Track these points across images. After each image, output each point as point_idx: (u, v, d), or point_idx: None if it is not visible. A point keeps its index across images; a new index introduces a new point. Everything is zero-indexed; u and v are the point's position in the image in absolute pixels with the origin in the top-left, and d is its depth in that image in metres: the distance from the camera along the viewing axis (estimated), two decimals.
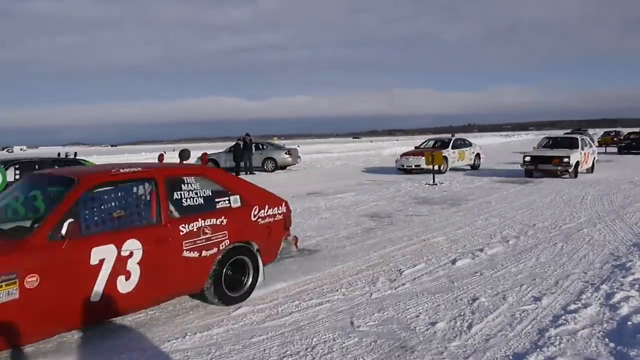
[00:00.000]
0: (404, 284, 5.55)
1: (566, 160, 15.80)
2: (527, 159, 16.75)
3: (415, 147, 22.05)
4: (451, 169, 20.04)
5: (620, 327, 4.18)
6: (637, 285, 5.18)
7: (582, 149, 17.02)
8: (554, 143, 18.36)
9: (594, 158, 18.45)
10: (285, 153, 23.88)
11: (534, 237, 7.74)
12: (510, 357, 3.72)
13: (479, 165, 21.51)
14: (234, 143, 23.01)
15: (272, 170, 23.23)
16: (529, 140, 58.94)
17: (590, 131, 52.10)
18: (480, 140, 36.33)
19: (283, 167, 24.13)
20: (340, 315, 4.68)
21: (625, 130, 40.44)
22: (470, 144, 21.87)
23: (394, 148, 43.91)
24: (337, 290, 5.40)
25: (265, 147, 24.44)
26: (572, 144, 17.35)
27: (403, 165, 19.35)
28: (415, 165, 18.70)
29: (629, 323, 4.21)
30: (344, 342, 4.07)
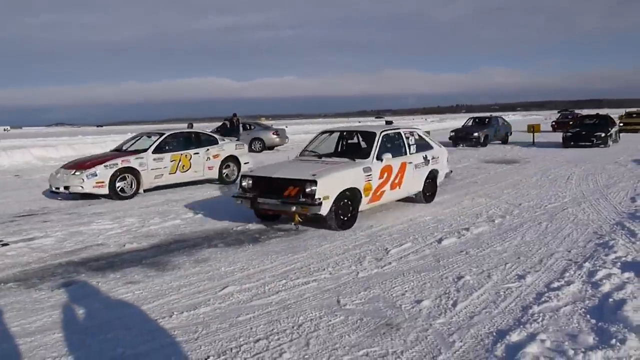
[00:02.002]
0: (390, 263, 5.59)
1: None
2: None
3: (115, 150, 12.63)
4: None
5: (601, 304, 4.25)
6: (619, 263, 5.26)
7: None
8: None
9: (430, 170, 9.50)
10: (273, 133, 23.80)
11: (519, 216, 7.81)
12: (494, 334, 3.78)
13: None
14: (220, 123, 22.86)
15: (260, 151, 23.15)
16: (516, 121, 59.13)
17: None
18: (457, 122, 34.23)
19: (271, 148, 24.05)
20: (327, 294, 4.71)
21: (589, 112, 33.25)
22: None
23: None
24: (324, 270, 5.43)
25: (252, 127, 24.32)
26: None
27: (52, 187, 10.67)
28: (64, 187, 10.27)
29: (610, 300, 4.28)
30: (330, 320, 4.11)
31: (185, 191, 11.39)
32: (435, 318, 4.09)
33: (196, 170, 11.92)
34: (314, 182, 6.74)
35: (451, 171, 10.42)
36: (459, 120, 42.28)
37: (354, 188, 7.26)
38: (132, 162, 10.68)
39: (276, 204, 7.05)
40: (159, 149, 11.26)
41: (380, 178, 7.72)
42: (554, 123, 36.07)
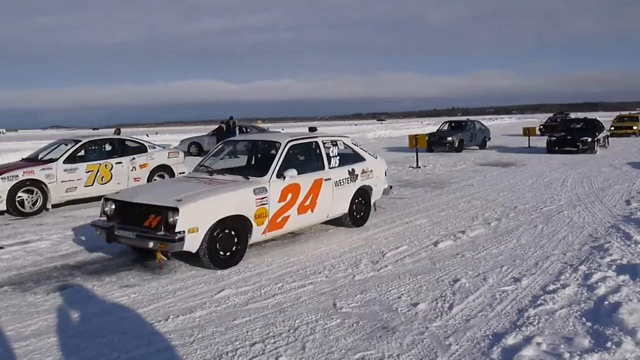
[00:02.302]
0: (386, 266, 5.59)
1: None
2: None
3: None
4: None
5: (597, 307, 4.26)
6: (614, 266, 5.27)
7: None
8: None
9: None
10: None
11: (515, 219, 7.83)
12: (490, 337, 3.78)
13: None
14: (217, 126, 22.85)
15: None
16: (512, 125, 59.38)
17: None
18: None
19: None
20: (323, 297, 4.71)
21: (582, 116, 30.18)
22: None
23: (378, 131, 43.95)
24: (320, 273, 5.43)
25: (249, 130, 24.31)
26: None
27: None
28: None
29: (606, 303, 4.29)
30: (327, 324, 4.10)
31: None
32: (432, 321, 4.10)
33: (119, 182, 10.47)
34: (176, 210, 5.25)
35: (391, 187, 8.87)
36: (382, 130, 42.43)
37: (240, 215, 5.73)
38: (37, 173, 9.37)
39: (132, 237, 5.54)
40: (71, 159, 9.93)
41: (281, 201, 6.18)
42: (541, 126, 33.82)
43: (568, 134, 20.38)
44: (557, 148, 19.67)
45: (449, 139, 21.50)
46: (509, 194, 10.25)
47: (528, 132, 24.66)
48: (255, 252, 6.27)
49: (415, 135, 16.72)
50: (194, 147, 24.00)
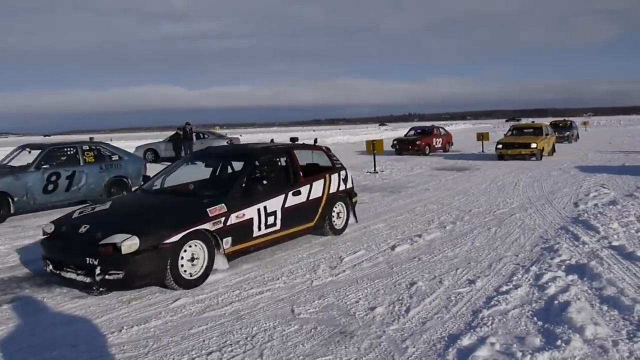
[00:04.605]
0: (344, 271, 5.61)
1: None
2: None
3: None
4: None
5: (547, 306, 4.39)
6: (563, 266, 5.45)
7: None
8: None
9: None
10: (227, 142, 23.57)
11: (469, 222, 8.00)
12: (446, 339, 3.84)
13: None
14: (173, 132, 22.49)
15: None
16: (466, 130, 60.74)
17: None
18: (398, 132, 33.81)
19: None
20: (281, 304, 4.68)
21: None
22: None
23: (336, 137, 44.16)
24: (278, 279, 5.40)
25: (206, 136, 24.03)
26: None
27: None
28: None
29: (556, 302, 4.43)
30: (285, 330, 4.08)
31: None
32: (389, 324, 4.13)
33: None
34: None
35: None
36: (395, 132, 42.99)
37: None
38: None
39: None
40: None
41: None
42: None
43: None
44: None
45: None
46: (464, 197, 10.47)
47: (482, 137, 25.25)
48: None
49: (373, 140, 16.88)
50: (150, 154, 23.54)
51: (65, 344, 3.91)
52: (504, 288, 4.88)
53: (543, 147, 19.05)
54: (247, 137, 41.04)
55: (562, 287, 4.80)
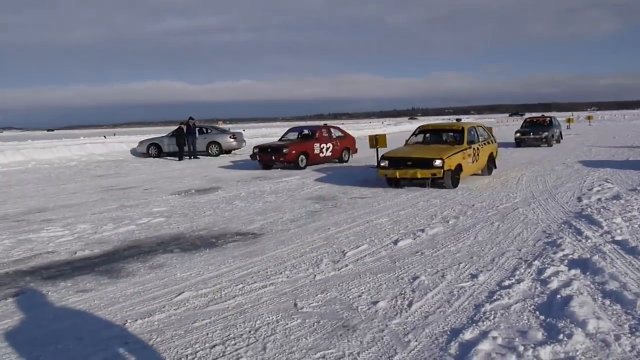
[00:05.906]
0: (347, 265, 5.63)
1: None
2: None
3: None
4: None
5: (550, 301, 4.40)
6: (566, 261, 5.45)
7: None
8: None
9: None
10: (230, 137, 23.58)
11: (472, 217, 8.00)
12: (448, 333, 3.85)
13: None
14: (176, 127, 22.51)
15: (217, 155, 22.92)
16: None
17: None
18: (412, 126, 34.20)
19: (228, 152, 23.84)
20: (284, 298, 4.71)
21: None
22: None
23: None
24: (281, 273, 5.42)
25: (209, 131, 24.03)
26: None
27: None
28: None
29: (558, 296, 4.44)
30: (287, 324, 4.10)
31: (142, 196, 11.15)
32: (391, 318, 4.14)
33: None
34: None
35: None
36: (414, 124, 42.99)
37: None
38: None
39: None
40: None
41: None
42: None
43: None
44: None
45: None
46: (466, 192, 10.46)
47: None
48: (215, 254, 6.22)
49: (375, 135, 16.84)
50: (153, 149, 23.59)
51: (69, 337, 3.95)
52: (507, 282, 4.89)
53: (460, 164, 11.22)
54: (251, 131, 41.03)
55: (564, 282, 4.81)
